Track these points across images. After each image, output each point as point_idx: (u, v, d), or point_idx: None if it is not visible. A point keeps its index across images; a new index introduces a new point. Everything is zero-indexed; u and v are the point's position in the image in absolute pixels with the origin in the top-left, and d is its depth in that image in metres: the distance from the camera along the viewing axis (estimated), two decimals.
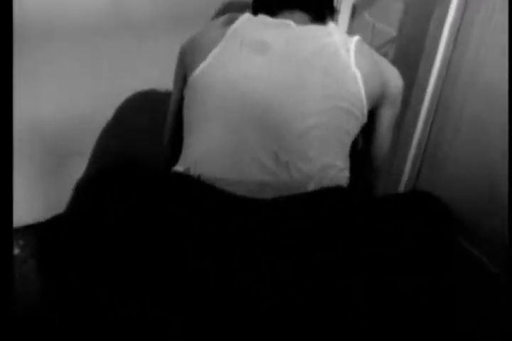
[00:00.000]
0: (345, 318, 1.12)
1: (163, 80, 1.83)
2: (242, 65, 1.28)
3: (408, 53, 1.68)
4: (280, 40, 1.30)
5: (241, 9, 1.46)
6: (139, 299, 1.14)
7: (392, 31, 1.73)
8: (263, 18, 1.35)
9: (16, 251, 1.78)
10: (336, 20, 1.90)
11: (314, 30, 1.34)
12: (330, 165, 1.28)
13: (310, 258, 1.14)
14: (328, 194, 1.25)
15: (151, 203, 1.20)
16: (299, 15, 1.37)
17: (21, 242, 1.82)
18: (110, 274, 1.16)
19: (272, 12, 1.37)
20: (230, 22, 1.33)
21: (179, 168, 1.29)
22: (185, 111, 1.36)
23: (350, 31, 1.88)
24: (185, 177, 1.26)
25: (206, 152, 1.28)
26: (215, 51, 1.29)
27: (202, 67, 1.30)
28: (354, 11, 1.85)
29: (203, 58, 1.30)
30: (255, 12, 1.39)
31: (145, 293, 1.14)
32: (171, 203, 1.19)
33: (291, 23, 1.32)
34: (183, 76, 1.41)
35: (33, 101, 1.69)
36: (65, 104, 1.74)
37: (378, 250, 1.13)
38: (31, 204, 1.85)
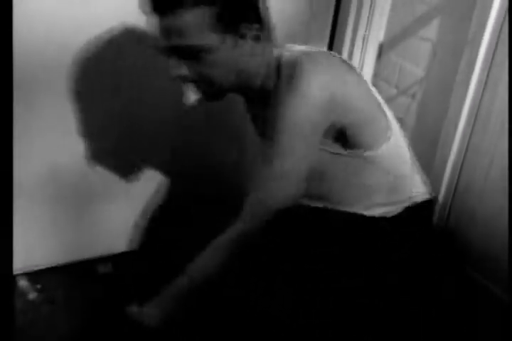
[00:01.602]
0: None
1: (182, 120, 1.82)
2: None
3: (437, 95, 1.63)
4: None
5: None
6: None
7: (419, 72, 1.69)
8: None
9: (34, 294, 1.76)
10: (362, 60, 1.87)
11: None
12: None
13: (336, 283, 1.19)
14: None
15: None
16: None
17: (39, 286, 1.80)
18: None
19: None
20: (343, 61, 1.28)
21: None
22: (395, 161, 1.33)
23: (377, 71, 1.85)
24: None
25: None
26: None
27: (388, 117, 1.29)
28: (381, 51, 1.82)
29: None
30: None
31: None
32: None
33: None
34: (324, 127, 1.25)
35: (46, 147, 1.69)
36: (79, 149, 1.74)
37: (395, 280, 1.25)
38: (48, 248, 1.84)
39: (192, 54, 1.20)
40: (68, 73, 1.61)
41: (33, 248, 1.81)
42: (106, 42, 1.62)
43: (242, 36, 1.22)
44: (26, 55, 1.52)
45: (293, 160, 1.19)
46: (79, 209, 1.83)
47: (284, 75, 1.24)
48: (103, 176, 1.80)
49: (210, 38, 1.19)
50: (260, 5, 1.24)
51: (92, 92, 1.67)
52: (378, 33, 1.82)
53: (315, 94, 1.18)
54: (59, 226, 1.83)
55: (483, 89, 1.51)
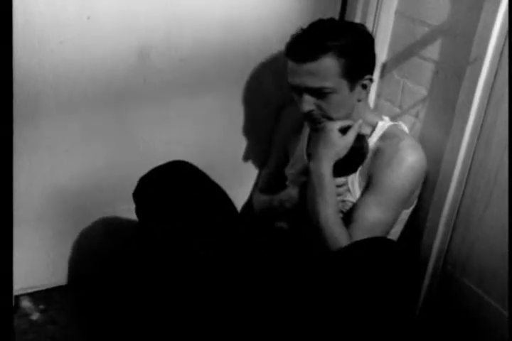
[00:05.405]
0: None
1: (191, 144, 1.82)
2: None
3: (440, 114, 1.63)
4: None
5: None
6: None
7: (422, 91, 1.69)
8: None
9: (36, 315, 1.76)
10: None
11: None
12: None
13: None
14: None
15: None
16: None
17: (42, 306, 1.79)
18: None
19: None
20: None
21: None
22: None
23: (380, 91, 1.84)
24: None
25: None
26: None
27: None
28: (383, 70, 1.82)
29: None
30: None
31: None
32: None
33: None
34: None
35: (48, 166, 1.70)
36: (85, 170, 1.75)
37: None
38: (51, 268, 1.84)
39: (322, 93, 1.46)
40: (72, 91, 1.62)
41: (36, 268, 1.81)
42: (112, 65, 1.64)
43: (360, 83, 1.51)
44: (28, 74, 1.53)
45: (386, 217, 1.53)
46: (82, 230, 1.83)
47: (388, 138, 1.56)
48: (106, 196, 1.81)
49: (339, 82, 1.46)
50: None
51: (94, 110, 1.68)
52: (381, 52, 1.82)
53: (421, 165, 1.55)
54: (62, 246, 1.83)
55: (486, 107, 1.51)
